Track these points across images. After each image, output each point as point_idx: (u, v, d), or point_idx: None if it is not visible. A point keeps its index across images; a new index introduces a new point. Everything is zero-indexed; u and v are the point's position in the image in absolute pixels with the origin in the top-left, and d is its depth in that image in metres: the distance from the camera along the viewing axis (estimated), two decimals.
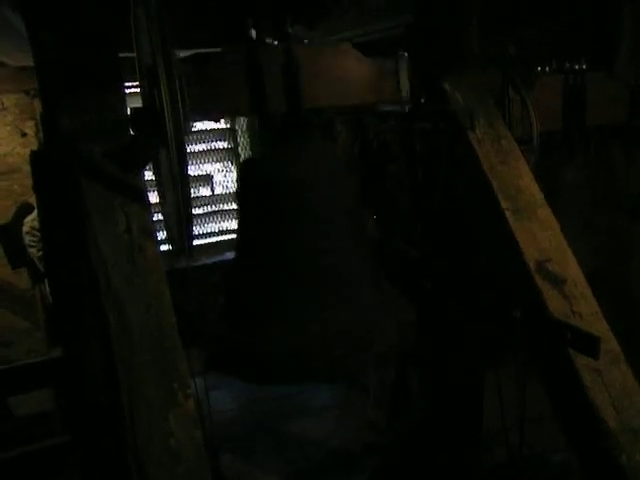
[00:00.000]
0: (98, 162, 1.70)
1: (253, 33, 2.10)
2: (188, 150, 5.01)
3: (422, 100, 2.26)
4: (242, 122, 6.05)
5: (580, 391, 1.88)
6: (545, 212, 2.06)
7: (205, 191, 5.99)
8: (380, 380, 3.56)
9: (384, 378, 3.49)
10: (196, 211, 5.85)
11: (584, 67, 2.68)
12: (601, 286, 2.09)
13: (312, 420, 3.77)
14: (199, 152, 5.92)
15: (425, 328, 2.80)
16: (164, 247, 2.06)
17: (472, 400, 2.78)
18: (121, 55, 1.86)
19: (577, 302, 1.99)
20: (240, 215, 2.27)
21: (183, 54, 2.09)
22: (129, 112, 1.84)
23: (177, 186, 1.71)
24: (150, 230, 1.67)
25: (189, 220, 1.86)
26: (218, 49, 2.13)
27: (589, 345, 1.86)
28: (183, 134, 1.75)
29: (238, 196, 2.29)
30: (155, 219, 1.83)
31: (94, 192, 1.66)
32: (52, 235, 1.88)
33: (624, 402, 1.90)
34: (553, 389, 2.03)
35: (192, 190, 5.94)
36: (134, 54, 1.72)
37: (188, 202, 1.72)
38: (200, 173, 5.93)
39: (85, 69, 1.80)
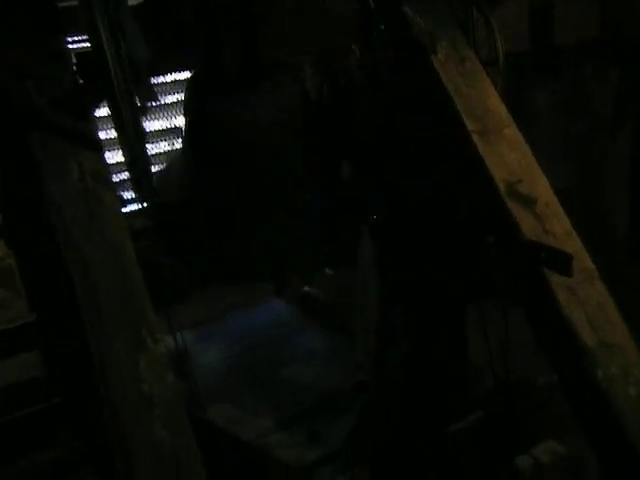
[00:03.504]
0: (44, 111, 1.62)
1: None
2: (158, 103, 4.85)
3: (382, 27, 2.18)
4: None
5: (556, 309, 1.89)
6: (513, 132, 2.01)
7: (177, 145, 5.82)
8: (365, 323, 3.57)
9: (368, 321, 3.50)
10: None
11: None
12: (575, 202, 2.08)
13: (300, 366, 3.79)
14: (170, 104, 5.67)
15: (404, 265, 2.79)
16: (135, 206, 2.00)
17: (455, 332, 2.80)
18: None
19: (550, 221, 1.98)
20: None
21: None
22: (74, 58, 1.77)
23: (129, 131, 1.65)
24: (105, 177, 1.61)
25: (147, 170, 1.81)
26: None
27: (562, 263, 1.86)
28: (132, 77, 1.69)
29: None
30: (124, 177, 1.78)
31: (43, 142, 1.59)
32: (6, 194, 1.82)
33: (599, 318, 1.91)
34: (531, 310, 2.03)
35: (163, 144, 5.77)
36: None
37: (143, 146, 1.67)
38: (170, 126, 5.74)
39: (23, 17, 1.70)
